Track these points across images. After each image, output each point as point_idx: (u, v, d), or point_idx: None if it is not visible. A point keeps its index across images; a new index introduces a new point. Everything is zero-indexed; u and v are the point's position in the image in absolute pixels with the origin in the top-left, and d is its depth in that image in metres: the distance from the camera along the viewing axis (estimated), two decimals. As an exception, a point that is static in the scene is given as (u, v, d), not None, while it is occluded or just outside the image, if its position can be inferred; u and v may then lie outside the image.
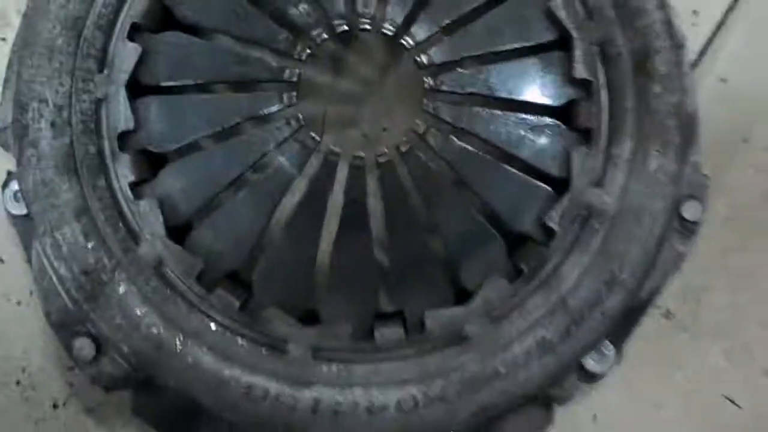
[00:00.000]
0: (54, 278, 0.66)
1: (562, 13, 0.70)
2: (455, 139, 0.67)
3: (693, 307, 0.79)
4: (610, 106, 0.69)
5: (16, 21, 0.74)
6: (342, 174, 0.67)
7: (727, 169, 0.80)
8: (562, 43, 0.71)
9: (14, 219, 0.70)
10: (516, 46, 0.70)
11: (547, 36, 0.71)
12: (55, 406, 0.75)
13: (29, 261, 0.70)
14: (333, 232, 0.66)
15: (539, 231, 0.68)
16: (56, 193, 0.65)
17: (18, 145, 0.66)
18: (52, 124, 0.66)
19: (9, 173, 0.70)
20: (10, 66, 0.73)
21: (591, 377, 0.71)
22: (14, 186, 0.69)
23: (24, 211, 0.68)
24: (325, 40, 0.69)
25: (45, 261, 0.66)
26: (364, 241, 0.66)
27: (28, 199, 0.66)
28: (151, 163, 0.69)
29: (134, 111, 0.67)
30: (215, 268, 0.67)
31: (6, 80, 0.74)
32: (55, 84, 0.67)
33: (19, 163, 0.66)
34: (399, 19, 0.70)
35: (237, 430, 0.70)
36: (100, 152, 0.67)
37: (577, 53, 0.69)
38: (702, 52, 0.82)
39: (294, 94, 0.67)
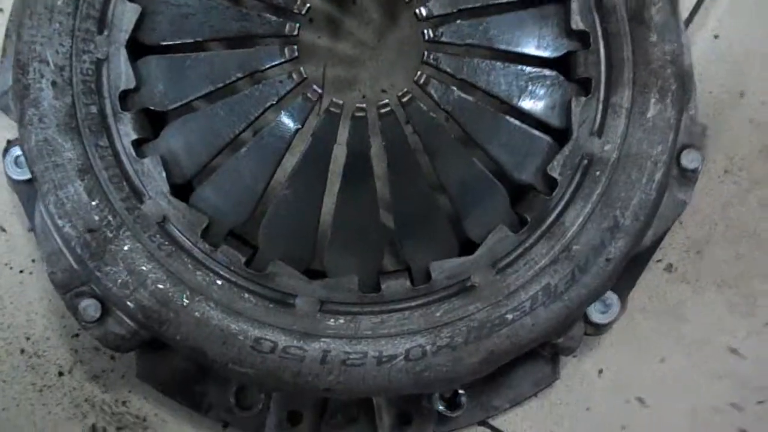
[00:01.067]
0: (58, 238, 0.66)
1: (558, -35, 0.70)
2: (456, 89, 0.67)
3: (695, 260, 0.80)
4: (607, 55, 0.70)
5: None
6: (344, 126, 0.67)
7: (725, 124, 0.81)
8: (559, -3, 0.71)
9: (16, 185, 0.70)
10: (512, -1, 0.70)
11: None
12: (60, 374, 0.75)
13: (32, 228, 0.70)
14: (337, 186, 0.66)
15: (541, 181, 0.69)
16: (59, 152, 0.65)
17: (19, 105, 0.66)
18: (53, 84, 0.66)
19: (8, 141, 0.70)
20: (8, 35, 0.74)
21: (596, 328, 0.71)
22: (15, 152, 0.70)
23: (26, 176, 0.68)
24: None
25: (48, 221, 0.66)
26: (368, 194, 0.67)
27: (30, 159, 0.65)
28: (153, 122, 0.69)
29: (135, 70, 0.67)
30: (220, 224, 0.67)
31: (4, 49, 0.74)
32: (55, 44, 0.66)
33: (20, 123, 0.66)
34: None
35: (244, 389, 0.70)
36: (102, 111, 0.67)
37: (574, 5, 0.69)
38: (694, 10, 0.83)
39: (294, 47, 0.67)
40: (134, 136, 0.66)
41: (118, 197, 0.65)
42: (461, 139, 0.69)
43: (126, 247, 0.64)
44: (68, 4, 0.67)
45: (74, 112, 0.67)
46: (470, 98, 0.68)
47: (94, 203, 0.65)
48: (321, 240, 0.68)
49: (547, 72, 0.70)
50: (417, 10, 0.69)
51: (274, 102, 0.67)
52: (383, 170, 0.69)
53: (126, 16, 0.68)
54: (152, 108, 0.68)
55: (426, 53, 0.68)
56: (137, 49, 0.69)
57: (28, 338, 0.75)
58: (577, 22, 0.70)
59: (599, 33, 0.70)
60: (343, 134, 0.67)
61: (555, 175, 0.67)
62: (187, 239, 0.65)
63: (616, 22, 0.70)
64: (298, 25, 0.67)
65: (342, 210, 0.67)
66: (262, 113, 0.67)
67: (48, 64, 0.66)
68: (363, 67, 0.76)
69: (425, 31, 0.69)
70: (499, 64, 0.70)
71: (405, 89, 0.68)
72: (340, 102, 0.67)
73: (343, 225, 0.67)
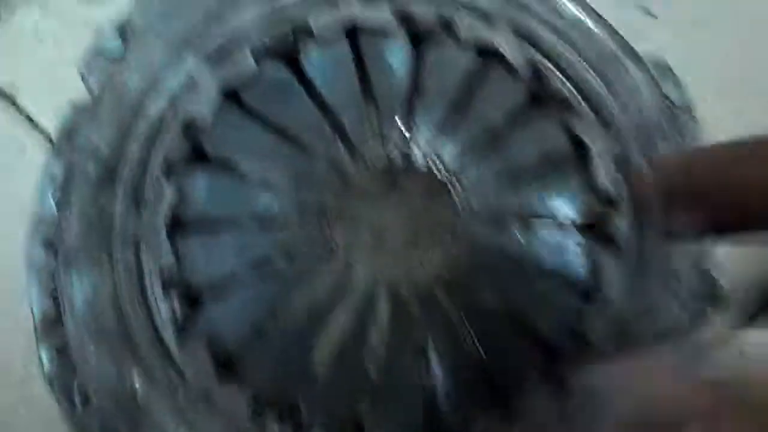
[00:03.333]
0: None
1: (580, 128, 0.73)
2: (490, 263, 0.69)
3: None
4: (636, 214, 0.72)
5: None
6: (383, 306, 0.68)
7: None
8: (581, 157, 0.74)
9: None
10: (538, 162, 0.73)
11: (567, 151, 0.74)
12: None
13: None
14: (379, 362, 0.67)
15: (577, 343, 0.70)
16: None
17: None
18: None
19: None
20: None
21: None
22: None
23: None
24: (356, 174, 0.71)
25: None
26: (409, 375, 0.68)
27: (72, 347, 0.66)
28: (192, 300, 0.70)
29: (174, 250, 0.68)
30: (262, 400, 0.67)
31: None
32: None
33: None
34: (423, 146, 0.73)
35: None
36: (143, 291, 0.67)
37: (598, 166, 0.72)
38: None
39: (328, 226, 0.69)
40: (176, 317, 0.67)
41: (161, 379, 0.66)
42: (499, 310, 0.71)
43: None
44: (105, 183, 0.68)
45: (116, 293, 0.67)
46: (505, 273, 0.70)
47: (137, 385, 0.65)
48: (362, 412, 0.69)
49: (575, 232, 0.72)
50: (446, 183, 0.71)
51: (308, 283, 0.68)
52: (424, 341, 0.70)
53: (163, 196, 0.69)
54: (191, 286, 0.69)
55: (458, 227, 0.70)
56: (174, 226, 0.70)
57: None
58: (604, 184, 0.72)
59: (625, 194, 0.73)
60: (381, 314, 0.68)
61: (590, 337, 0.69)
62: (233, 416, 0.66)
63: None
64: (331, 206, 0.69)
65: (383, 391, 0.68)
66: (299, 291, 0.68)
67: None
68: (397, 234, 0.77)
69: (455, 203, 0.71)
70: (529, 230, 0.72)
71: (443, 268, 0.69)
72: (377, 279, 0.68)
73: (383, 406, 0.68)
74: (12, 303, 0.77)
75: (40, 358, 0.70)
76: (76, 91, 0.74)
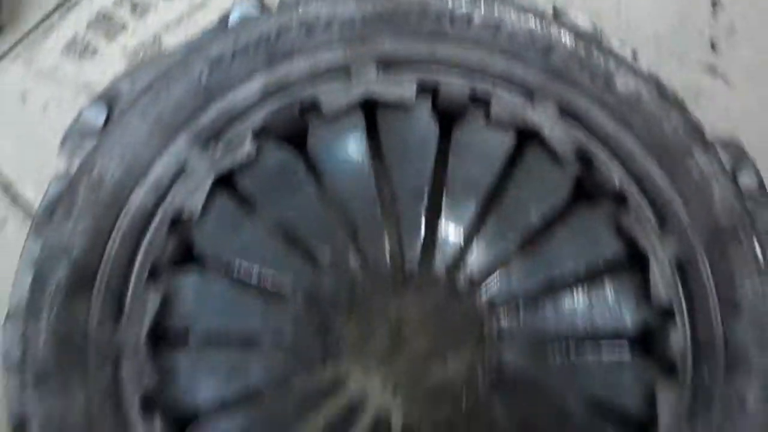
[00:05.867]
0: None
1: (635, 228, 0.62)
2: (522, 394, 0.59)
3: None
4: (694, 331, 0.61)
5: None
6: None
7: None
8: (635, 261, 0.63)
9: None
10: (583, 269, 0.62)
11: (619, 254, 0.63)
12: None
13: None
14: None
15: (624, 487, 0.59)
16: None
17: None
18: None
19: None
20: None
21: None
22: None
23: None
24: (369, 287, 0.61)
25: None
26: None
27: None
28: (177, 420, 0.61)
29: (156, 367, 0.59)
30: None
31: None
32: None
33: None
34: (449, 258, 0.62)
35: None
36: (121, 413, 0.58)
37: (654, 272, 0.61)
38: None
39: (334, 352, 0.59)
40: (159, 447, 0.58)
41: None
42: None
43: None
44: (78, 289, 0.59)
45: (88, 417, 0.58)
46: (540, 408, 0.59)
47: None
48: None
49: (625, 353, 0.61)
50: (475, 297, 0.60)
51: (313, 413, 0.58)
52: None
53: (146, 304, 0.60)
54: (175, 409, 0.60)
55: (486, 347, 0.60)
56: (159, 336, 0.61)
57: None
58: (659, 294, 0.61)
59: (683, 305, 0.61)
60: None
61: (643, 481, 0.58)
62: None
63: (701, 291, 0.61)
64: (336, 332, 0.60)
65: None
66: (300, 423, 0.59)
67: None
68: (415, 352, 0.67)
69: (485, 326, 0.60)
70: (567, 356, 0.61)
71: (464, 395, 0.59)
72: (389, 410, 0.58)
73: None
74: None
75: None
76: (62, 161, 0.65)
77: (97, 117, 0.64)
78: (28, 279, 0.61)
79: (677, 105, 0.66)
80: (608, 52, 0.65)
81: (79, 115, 0.65)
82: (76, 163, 0.64)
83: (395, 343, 0.65)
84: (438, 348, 0.64)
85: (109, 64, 0.74)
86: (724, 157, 0.65)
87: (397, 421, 0.59)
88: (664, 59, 0.72)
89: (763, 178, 0.65)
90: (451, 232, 0.62)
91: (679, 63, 0.74)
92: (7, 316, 0.63)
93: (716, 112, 0.75)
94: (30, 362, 0.59)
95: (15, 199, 0.74)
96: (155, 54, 0.67)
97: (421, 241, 0.62)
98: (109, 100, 0.65)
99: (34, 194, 0.73)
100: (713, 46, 0.78)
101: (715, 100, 0.76)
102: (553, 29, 0.66)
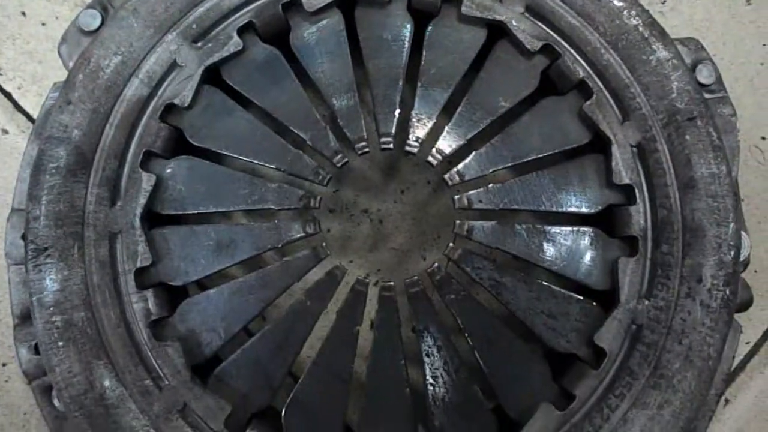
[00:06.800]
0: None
1: (597, 115, 0.66)
2: (490, 265, 0.63)
3: None
4: (654, 210, 0.65)
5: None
6: (372, 305, 0.62)
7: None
8: (597, 145, 0.67)
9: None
10: (549, 152, 0.66)
11: (582, 139, 0.67)
12: None
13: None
14: (364, 368, 0.62)
15: (586, 350, 0.63)
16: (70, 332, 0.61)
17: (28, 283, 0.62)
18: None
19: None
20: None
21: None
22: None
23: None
24: (346, 163, 0.65)
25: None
26: (399, 378, 0.62)
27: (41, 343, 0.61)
28: (170, 295, 0.65)
29: (150, 244, 0.63)
30: (243, 409, 0.62)
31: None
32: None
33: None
34: (422, 135, 0.66)
35: None
36: (117, 288, 0.62)
37: (616, 156, 0.65)
38: None
39: (316, 220, 0.63)
40: (151, 317, 0.62)
41: (134, 384, 0.61)
42: (497, 311, 0.64)
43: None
44: (77, 171, 0.63)
45: (87, 289, 0.62)
46: (507, 273, 0.63)
47: (110, 388, 0.60)
48: (349, 419, 0.63)
49: (587, 230, 0.65)
50: (444, 176, 0.64)
51: (295, 281, 0.62)
52: (412, 343, 0.64)
53: (140, 187, 0.63)
54: (169, 283, 0.64)
55: (457, 224, 0.64)
56: (151, 217, 0.65)
57: None
58: (621, 176, 0.65)
59: (644, 187, 0.65)
60: (370, 313, 0.63)
61: (603, 345, 0.62)
62: (209, 426, 0.61)
63: (660, 172, 0.65)
64: (319, 198, 0.63)
65: (372, 393, 0.62)
66: (284, 291, 0.63)
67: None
68: (391, 228, 0.72)
69: (455, 198, 0.64)
70: (535, 227, 0.65)
71: (435, 265, 0.63)
72: (366, 280, 0.62)
73: (373, 410, 0.62)
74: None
75: (18, 357, 0.65)
76: (62, 71, 0.70)
77: (93, 20, 0.68)
78: (27, 176, 0.65)
79: (639, 6, 0.69)
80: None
81: (76, 19, 0.69)
82: (72, 62, 0.68)
83: (378, 237, 0.69)
84: (415, 226, 0.68)
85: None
86: (683, 51, 0.69)
87: (375, 295, 0.63)
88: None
89: (720, 74, 0.69)
90: (424, 115, 0.66)
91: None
92: (11, 212, 0.67)
93: (680, 19, 0.79)
94: (31, 242, 0.63)
95: (16, 109, 0.78)
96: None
97: (395, 123, 0.66)
98: (103, 4, 0.69)
99: (34, 105, 0.77)
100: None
101: (679, 7, 0.80)
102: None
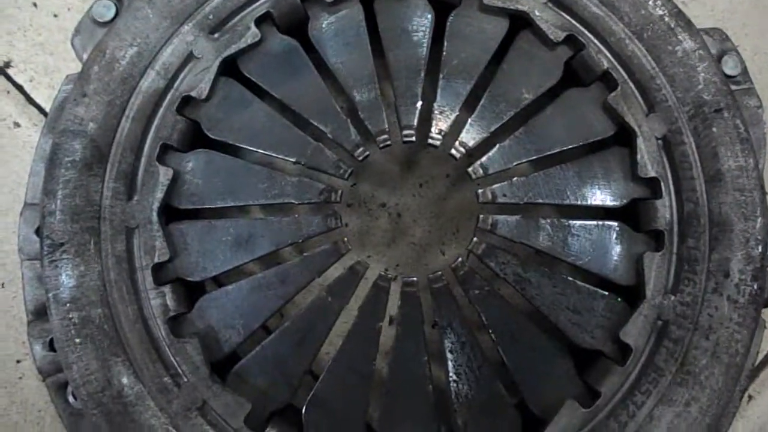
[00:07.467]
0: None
1: (622, 107, 0.65)
2: (513, 259, 0.62)
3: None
4: (680, 204, 0.64)
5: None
6: (394, 301, 0.61)
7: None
8: (621, 137, 0.65)
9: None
10: (573, 145, 0.65)
11: (607, 131, 0.65)
12: None
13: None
14: (386, 365, 0.61)
15: (611, 346, 0.62)
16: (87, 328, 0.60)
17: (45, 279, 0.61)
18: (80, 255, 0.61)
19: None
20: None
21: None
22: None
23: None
24: (367, 156, 0.64)
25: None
26: (421, 374, 0.61)
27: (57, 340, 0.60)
28: (187, 291, 0.64)
29: (168, 239, 0.62)
30: (262, 407, 0.61)
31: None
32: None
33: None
34: (445, 127, 0.65)
35: None
36: (134, 285, 0.61)
37: (641, 149, 0.63)
38: None
39: (337, 215, 0.62)
40: (169, 313, 0.61)
41: (151, 379, 0.60)
42: (521, 307, 0.63)
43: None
44: (93, 165, 0.62)
45: (103, 285, 0.61)
46: (531, 268, 0.62)
47: (128, 386, 0.59)
48: (371, 416, 0.62)
49: (612, 224, 0.64)
50: (468, 169, 0.63)
51: (315, 276, 0.61)
52: (435, 340, 0.63)
53: (158, 181, 0.62)
54: (186, 278, 0.63)
55: (481, 218, 0.62)
56: (168, 211, 0.63)
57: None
58: (646, 169, 0.63)
59: (669, 180, 0.64)
60: (392, 309, 0.62)
61: (629, 341, 0.61)
62: (228, 424, 0.60)
63: (686, 165, 0.64)
64: (340, 192, 0.62)
65: (394, 391, 0.61)
66: (304, 286, 0.62)
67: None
68: (413, 221, 0.70)
69: (479, 192, 0.63)
70: (559, 221, 0.64)
71: (459, 259, 0.62)
72: (389, 275, 0.61)
73: (394, 407, 0.61)
74: (6, 292, 0.72)
75: (32, 354, 0.64)
76: (74, 63, 0.68)
77: (107, 11, 0.67)
78: (41, 170, 0.64)
79: (665, -5, 0.68)
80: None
81: (90, 9, 0.68)
82: (86, 53, 0.66)
83: (397, 231, 0.68)
84: (435, 235, 0.67)
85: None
86: (708, 41, 0.67)
87: (397, 291, 0.62)
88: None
89: (746, 65, 0.68)
90: (446, 107, 0.65)
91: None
92: (24, 207, 0.66)
93: (702, 9, 0.78)
94: (47, 238, 0.62)
95: (28, 102, 0.77)
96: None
97: (417, 115, 0.65)
98: (117, -5, 0.68)
99: (46, 98, 0.76)
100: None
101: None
102: None
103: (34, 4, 0.78)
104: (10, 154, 0.75)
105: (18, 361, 0.73)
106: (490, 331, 0.62)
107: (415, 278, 0.61)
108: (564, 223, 0.63)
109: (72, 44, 0.67)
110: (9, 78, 0.77)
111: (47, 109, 0.74)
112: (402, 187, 0.68)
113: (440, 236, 0.69)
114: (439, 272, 0.62)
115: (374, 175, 0.67)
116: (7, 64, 0.77)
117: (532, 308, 0.63)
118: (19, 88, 0.77)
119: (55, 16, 0.78)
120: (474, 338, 0.62)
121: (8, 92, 0.76)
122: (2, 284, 0.73)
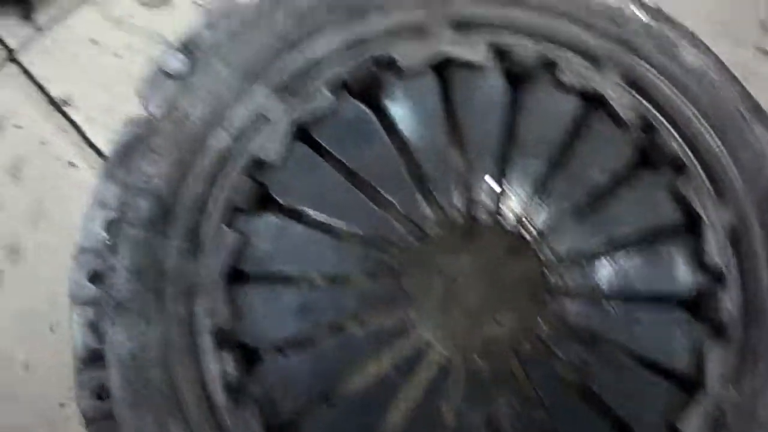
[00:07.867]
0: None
1: (690, 193, 0.64)
2: (579, 342, 0.61)
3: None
4: (744, 297, 0.63)
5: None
6: (457, 383, 0.61)
7: None
8: (690, 225, 0.65)
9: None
10: (642, 231, 0.65)
11: (675, 218, 0.65)
12: None
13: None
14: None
15: (666, 435, 0.62)
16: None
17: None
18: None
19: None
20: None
21: None
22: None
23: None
24: (437, 231, 0.63)
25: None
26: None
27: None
28: (248, 356, 0.63)
29: (231, 303, 0.61)
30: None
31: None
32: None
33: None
34: (515, 205, 0.64)
35: None
36: (194, 346, 0.61)
37: (710, 237, 0.63)
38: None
39: (402, 289, 0.62)
40: (228, 378, 0.60)
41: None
42: (582, 393, 0.63)
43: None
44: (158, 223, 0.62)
45: (164, 346, 0.61)
46: (593, 353, 0.62)
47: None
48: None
49: (677, 314, 0.64)
50: (538, 252, 0.63)
51: (376, 351, 0.61)
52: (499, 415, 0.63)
53: (224, 244, 0.62)
54: (249, 344, 0.62)
55: (548, 300, 0.62)
56: (234, 274, 0.63)
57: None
58: (712, 258, 0.63)
59: (734, 269, 0.64)
60: (456, 391, 0.61)
61: (687, 430, 0.61)
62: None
63: (753, 257, 0.64)
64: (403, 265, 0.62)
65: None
66: (366, 359, 0.61)
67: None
68: (478, 299, 0.69)
69: (548, 274, 0.63)
70: (626, 309, 0.64)
71: (524, 342, 0.62)
72: (452, 357, 0.61)
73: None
74: (55, 335, 0.72)
75: (78, 403, 0.64)
76: (134, 106, 0.68)
77: (177, 63, 0.66)
78: (99, 218, 0.63)
79: (737, 81, 0.68)
80: (675, 26, 0.68)
81: (159, 60, 0.67)
82: (155, 106, 0.66)
83: (450, 296, 0.68)
84: (490, 304, 0.67)
85: (179, 15, 0.76)
86: (780, 131, 0.67)
87: (459, 368, 0.62)
88: (717, 40, 0.74)
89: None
90: (519, 187, 0.65)
91: (732, 44, 0.76)
92: (79, 253, 0.65)
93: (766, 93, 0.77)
94: (109, 295, 0.61)
95: (84, 142, 0.76)
96: (230, 4, 0.68)
97: (488, 190, 0.65)
98: (188, 47, 0.67)
99: (104, 138, 0.76)
100: (765, 27, 0.80)
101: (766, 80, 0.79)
102: (623, 1, 0.68)
103: (95, 42, 0.77)
104: (64, 194, 0.75)
105: (61, 405, 0.73)
106: (548, 410, 0.61)
107: (480, 361, 0.61)
108: (630, 311, 0.63)
109: (138, 93, 0.67)
110: (66, 116, 0.76)
111: (103, 150, 0.74)
112: (459, 254, 0.68)
113: (495, 306, 0.68)
114: (498, 348, 0.62)
115: (438, 248, 0.66)
116: (65, 102, 0.76)
117: (591, 391, 0.63)
118: (77, 127, 0.76)
119: (115, 55, 0.78)
120: (530, 416, 0.62)
121: (65, 131, 0.76)
122: (51, 328, 0.72)
